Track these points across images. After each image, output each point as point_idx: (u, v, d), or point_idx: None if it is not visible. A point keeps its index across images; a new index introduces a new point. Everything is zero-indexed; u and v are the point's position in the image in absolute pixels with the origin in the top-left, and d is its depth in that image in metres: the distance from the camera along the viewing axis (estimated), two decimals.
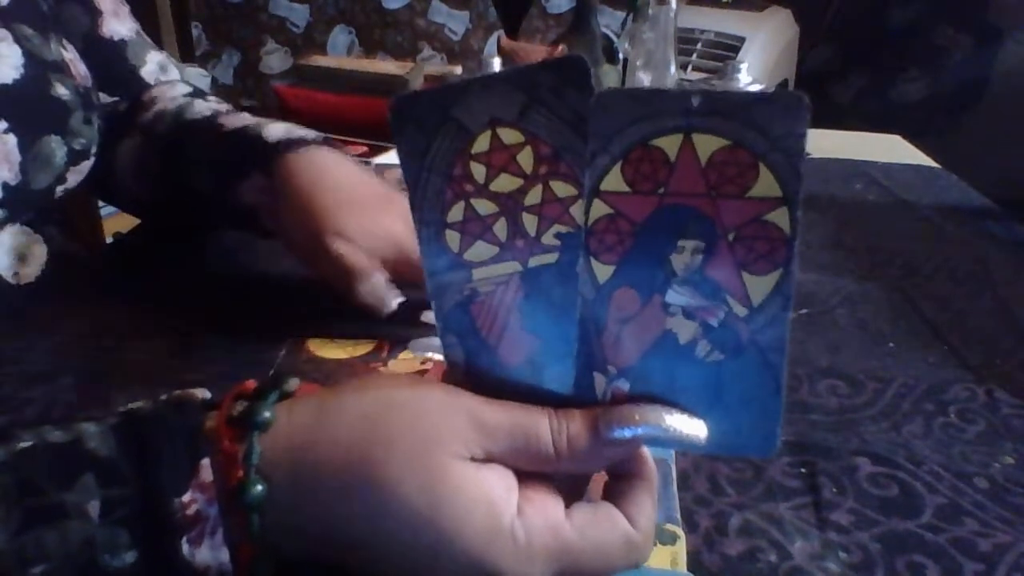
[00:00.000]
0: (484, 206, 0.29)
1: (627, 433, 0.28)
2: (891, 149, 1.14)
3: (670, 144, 0.26)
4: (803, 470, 0.45)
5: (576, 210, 0.28)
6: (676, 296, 0.28)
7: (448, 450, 0.27)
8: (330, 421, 0.28)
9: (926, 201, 0.91)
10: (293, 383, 0.30)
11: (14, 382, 0.48)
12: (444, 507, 0.26)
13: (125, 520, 0.26)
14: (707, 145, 0.26)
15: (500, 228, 0.29)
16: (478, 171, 0.28)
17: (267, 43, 2.80)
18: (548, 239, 0.29)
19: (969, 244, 0.79)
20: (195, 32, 2.78)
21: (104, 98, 0.61)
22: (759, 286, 0.27)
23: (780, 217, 0.27)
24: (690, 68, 1.89)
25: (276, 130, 0.54)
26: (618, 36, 1.14)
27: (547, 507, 0.28)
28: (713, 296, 0.27)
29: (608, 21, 1.93)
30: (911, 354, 0.58)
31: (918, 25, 2.47)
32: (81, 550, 0.26)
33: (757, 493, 0.43)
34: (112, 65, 0.62)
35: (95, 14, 0.61)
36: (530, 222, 0.29)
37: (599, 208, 0.28)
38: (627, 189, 0.27)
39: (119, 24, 0.63)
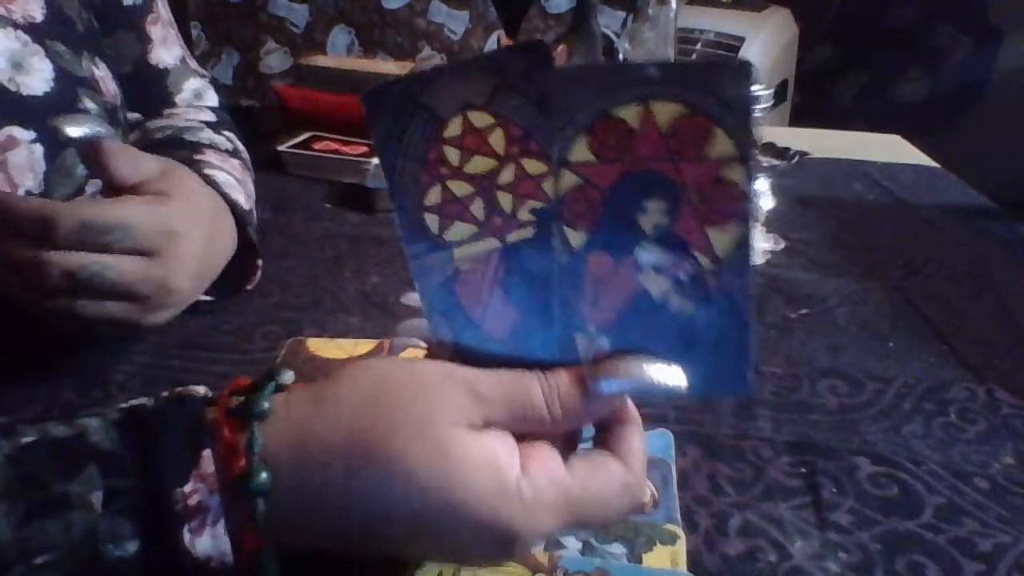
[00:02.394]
0: (460, 188, 0.30)
1: (613, 387, 0.30)
2: (891, 149, 1.14)
3: (631, 114, 0.28)
4: (803, 470, 0.45)
5: (548, 186, 0.30)
6: (646, 255, 0.30)
7: (448, 421, 0.28)
8: (329, 406, 0.29)
9: (926, 201, 0.91)
10: (288, 376, 0.31)
11: (14, 382, 0.48)
12: (452, 474, 0.27)
13: (127, 510, 0.26)
14: (665, 112, 0.28)
15: (477, 208, 0.30)
16: (452, 155, 0.30)
17: (267, 43, 2.80)
18: (524, 215, 0.30)
19: (969, 244, 0.79)
20: (195, 32, 2.78)
21: (139, 117, 0.65)
22: (722, 239, 0.29)
23: (737, 174, 0.28)
24: None
25: (239, 199, 0.56)
26: (618, 36, 1.14)
27: (548, 463, 0.29)
28: (680, 253, 0.29)
29: (608, 21, 1.93)
30: (911, 354, 0.58)
31: (918, 25, 2.47)
32: (84, 540, 0.26)
33: (757, 493, 0.43)
34: (151, 89, 0.66)
35: (145, 42, 0.65)
36: (505, 200, 0.30)
37: (568, 179, 0.29)
38: (593, 159, 0.29)
39: (166, 52, 0.67)
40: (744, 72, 0.27)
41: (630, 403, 0.32)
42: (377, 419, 0.28)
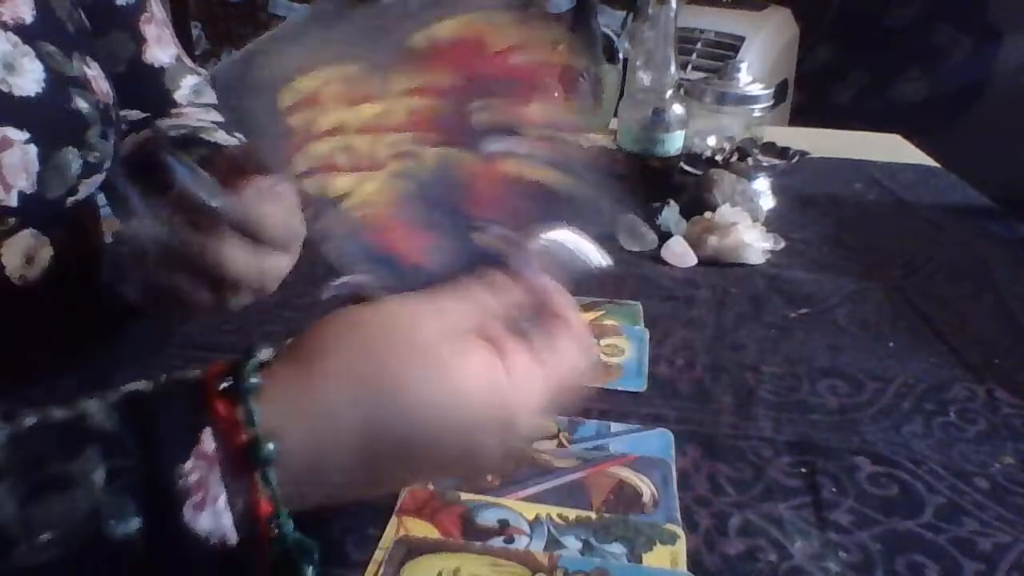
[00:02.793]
0: (319, 147, 0.32)
1: (535, 248, 0.33)
2: (891, 149, 1.14)
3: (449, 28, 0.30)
4: (803, 470, 0.45)
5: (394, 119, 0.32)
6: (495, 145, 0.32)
7: (435, 340, 0.30)
8: (314, 364, 0.30)
9: (926, 201, 0.91)
10: (265, 352, 0.32)
11: (14, 382, 0.48)
12: (454, 383, 0.29)
13: (129, 488, 0.27)
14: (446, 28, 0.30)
15: (342, 160, 0.32)
16: (297, 121, 0.31)
17: None
18: (389, 150, 0.32)
19: (969, 244, 0.79)
20: (195, 32, 2.78)
21: (138, 114, 0.65)
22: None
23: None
24: (690, 68, 1.89)
25: None
26: (618, 36, 1.14)
27: (519, 350, 0.31)
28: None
29: (608, 21, 1.93)
30: (911, 354, 0.58)
31: (918, 25, 2.47)
32: (87, 518, 0.26)
33: (757, 493, 0.43)
34: (149, 89, 0.67)
35: (140, 42, 0.65)
36: (363, 143, 0.32)
37: (404, 104, 0.31)
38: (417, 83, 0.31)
39: (161, 51, 0.67)
40: None
41: (547, 281, 0.34)
42: (366, 358, 0.30)
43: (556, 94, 0.32)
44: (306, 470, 0.28)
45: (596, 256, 0.33)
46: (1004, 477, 0.45)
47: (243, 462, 0.28)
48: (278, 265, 0.45)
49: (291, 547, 0.28)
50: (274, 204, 0.44)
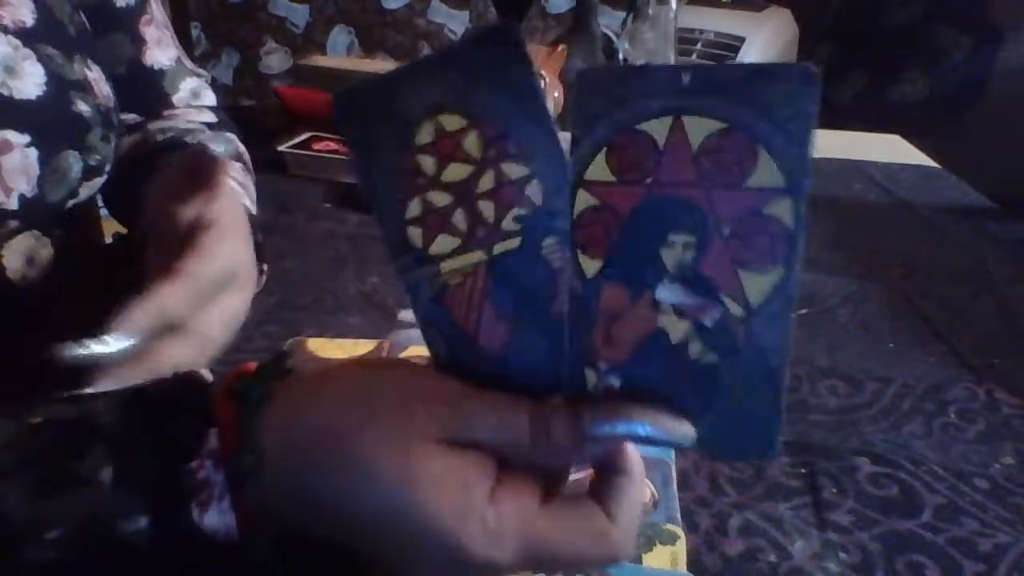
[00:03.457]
0: (439, 198, 0.28)
1: (608, 430, 0.27)
2: (891, 149, 1.14)
3: (659, 128, 0.24)
4: (803, 470, 0.45)
5: (532, 191, 0.27)
6: (667, 294, 0.26)
7: (427, 433, 0.27)
8: (320, 394, 0.29)
9: (926, 201, 0.91)
10: (292, 362, 0.31)
11: (14, 382, 0.48)
12: (417, 486, 0.26)
13: (137, 487, 0.27)
14: (699, 128, 0.24)
15: (459, 218, 0.28)
16: (426, 163, 0.28)
17: (267, 43, 2.80)
18: (508, 224, 0.28)
19: (969, 244, 0.79)
20: (195, 32, 2.78)
21: (135, 118, 0.64)
22: (758, 285, 0.25)
23: (782, 209, 0.24)
24: None
25: (248, 206, 0.56)
26: (618, 36, 1.14)
27: (521, 495, 0.28)
28: (707, 295, 0.26)
29: (608, 21, 1.92)
30: (911, 354, 0.58)
31: (918, 25, 2.47)
32: (95, 516, 0.26)
33: (757, 493, 0.43)
34: (147, 91, 0.66)
35: (139, 43, 0.64)
36: (487, 209, 0.28)
37: (584, 199, 0.26)
38: (613, 179, 0.26)
39: (161, 53, 0.66)
40: (804, 80, 0.22)
41: (635, 454, 0.30)
42: (359, 416, 0.28)
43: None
44: (278, 488, 0.28)
45: (683, 434, 0.27)
46: (1004, 477, 0.45)
47: (231, 469, 0.27)
48: (224, 315, 0.43)
49: (258, 565, 0.28)
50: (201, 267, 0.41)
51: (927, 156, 1.11)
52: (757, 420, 0.27)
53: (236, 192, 0.53)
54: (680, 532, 0.39)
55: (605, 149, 0.26)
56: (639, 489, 0.29)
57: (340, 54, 2.73)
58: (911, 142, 1.18)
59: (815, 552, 0.39)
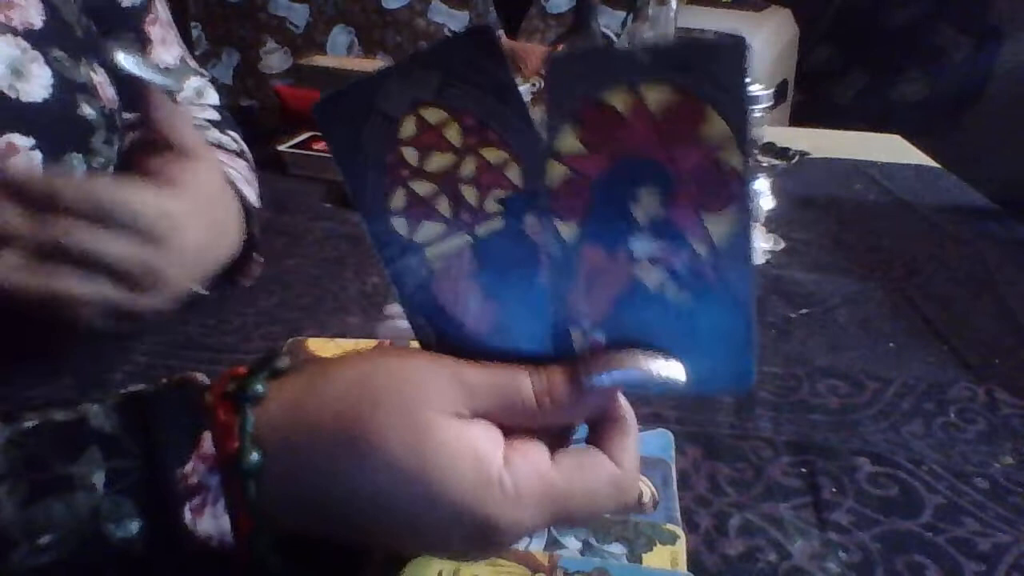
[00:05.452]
0: (423, 187, 0.29)
1: (606, 379, 0.29)
2: (891, 149, 1.14)
3: (620, 99, 0.27)
4: (803, 470, 0.45)
5: (512, 173, 0.29)
6: (640, 245, 0.28)
7: (433, 408, 0.28)
8: (319, 388, 0.29)
9: (926, 201, 0.91)
10: (284, 361, 0.31)
11: (14, 383, 0.48)
12: (431, 461, 0.27)
13: (130, 490, 0.27)
14: (656, 96, 0.26)
15: (443, 205, 0.30)
16: (410, 155, 0.29)
17: (267, 43, 2.80)
18: (491, 206, 0.29)
19: (969, 244, 0.79)
20: (194, 32, 2.77)
21: (138, 117, 0.64)
22: (718, 225, 0.28)
23: (731, 156, 0.27)
24: None
25: (249, 195, 0.57)
26: (618, 36, 1.14)
27: (533, 455, 0.28)
28: (676, 240, 0.28)
29: (608, 21, 1.92)
30: (911, 354, 0.58)
31: (918, 25, 2.47)
32: (87, 520, 0.26)
33: (757, 493, 0.43)
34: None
35: (146, 43, 0.65)
36: (470, 193, 0.29)
37: (557, 169, 0.28)
38: (583, 148, 0.28)
39: (166, 52, 0.67)
40: (738, 51, 0.26)
41: (624, 401, 0.32)
42: (363, 401, 0.28)
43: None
44: (281, 487, 0.28)
45: (675, 373, 0.29)
46: (1004, 477, 0.45)
47: (231, 469, 0.27)
48: (137, 252, 0.41)
49: (259, 565, 0.28)
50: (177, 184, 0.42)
51: (927, 156, 1.11)
52: (733, 354, 0.30)
53: (241, 182, 0.53)
54: (680, 532, 0.39)
55: (574, 122, 0.27)
56: (634, 432, 0.31)
57: (340, 54, 2.73)
58: (911, 142, 1.18)
59: (815, 552, 0.39)
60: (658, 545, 0.38)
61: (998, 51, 2.38)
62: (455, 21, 2.67)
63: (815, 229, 0.81)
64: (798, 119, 2.19)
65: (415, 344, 0.32)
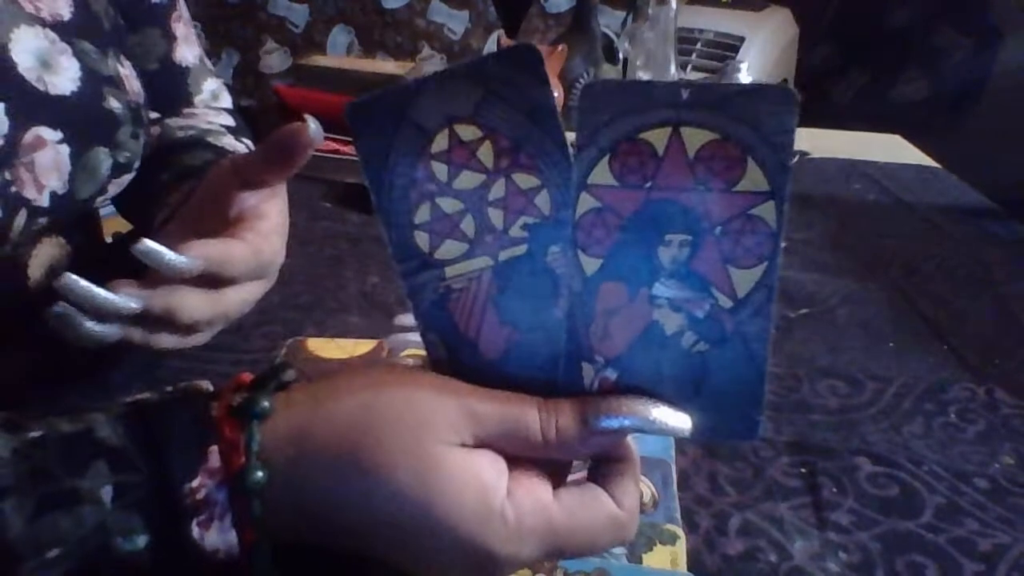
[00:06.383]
0: (449, 204, 0.29)
1: (614, 424, 0.29)
2: (891, 149, 1.14)
3: (658, 137, 0.27)
4: (803, 470, 0.45)
5: (541, 200, 0.28)
6: (663, 289, 0.28)
7: (439, 437, 0.27)
8: (326, 409, 0.29)
9: (926, 201, 0.91)
10: (290, 374, 0.31)
11: (15, 384, 0.48)
12: (436, 491, 0.27)
13: (137, 504, 0.27)
14: (695, 139, 0.26)
15: (467, 225, 0.29)
16: (440, 170, 0.29)
17: (267, 43, 2.80)
18: (516, 231, 0.29)
19: (969, 244, 0.79)
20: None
21: (154, 115, 0.64)
22: (744, 279, 0.28)
23: (767, 211, 0.27)
24: (690, 68, 1.89)
25: None
26: (618, 36, 1.14)
27: (536, 490, 0.28)
28: (699, 289, 0.28)
29: (608, 21, 1.92)
30: (911, 354, 0.58)
31: (918, 25, 2.47)
32: (95, 534, 0.26)
33: (757, 493, 0.43)
34: (174, 88, 0.66)
35: (171, 39, 0.64)
36: (496, 216, 0.29)
37: (587, 202, 0.28)
38: (615, 183, 0.27)
39: (188, 51, 0.67)
40: (786, 100, 0.25)
41: (629, 440, 0.31)
42: (369, 426, 0.28)
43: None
44: (284, 504, 0.28)
45: (681, 424, 0.29)
46: (1004, 477, 0.45)
47: (237, 486, 0.27)
48: (242, 299, 0.41)
49: None
50: (238, 240, 0.40)
51: (927, 156, 1.11)
52: (742, 404, 0.30)
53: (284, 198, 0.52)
54: (680, 532, 0.39)
55: (608, 156, 0.27)
56: (637, 472, 0.31)
57: (340, 54, 2.73)
58: (911, 142, 1.18)
59: (815, 552, 0.39)
60: (658, 545, 0.38)
61: (998, 51, 2.38)
62: (455, 21, 2.67)
63: (815, 229, 0.81)
64: (798, 119, 2.19)
65: (415, 352, 0.32)
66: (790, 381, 0.54)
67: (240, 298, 0.41)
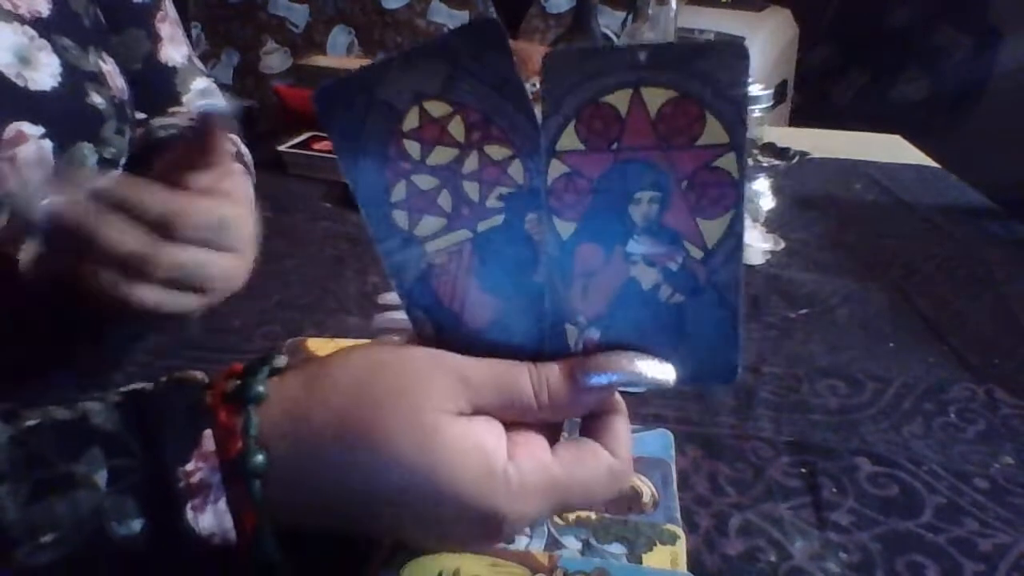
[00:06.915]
0: (425, 181, 0.29)
1: (603, 380, 0.30)
2: (891, 149, 1.14)
3: (620, 100, 0.27)
4: (803, 470, 0.45)
5: (515, 170, 0.29)
6: (637, 246, 0.29)
7: (436, 406, 0.28)
8: (321, 388, 0.29)
9: (926, 201, 0.91)
10: (281, 360, 0.31)
11: (14, 382, 0.48)
12: (439, 459, 0.27)
13: (132, 489, 0.27)
14: (655, 98, 0.27)
15: (444, 200, 0.30)
16: (412, 148, 0.29)
17: (267, 43, 2.80)
18: (492, 202, 0.30)
19: (969, 244, 0.79)
20: (194, 32, 2.77)
21: (141, 116, 0.64)
22: (712, 229, 0.29)
23: (728, 163, 0.28)
24: None
25: None
26: (618, 36, 1.14)
27: (535, 450, 0.29)
28: (671, 242, 0.29)
29: (608, 21, 1.93)
30: (911, 354, 0.58)
31: (918, 25, 2.47)
32: (90, 519, 0.26)
33: (757, 493, 0.43)
34: (161, 87, 0.66)
35: (155, 40, 0.65)
36: (472, 189, 0.29)
37: (556, 168, 0.29)
38: (582, 147, 0.28)
39: (174, 50, 0.67)
40: (737, 54, 0.26)
41: (616, 393, 0.32)
42: (367, 402, 0.28)
43: None
44: (286, 487, 0.28)
45: (666, 374, 0.30)
46: (1004, 477, 0.45)
47: (235, 470, 0.28)
48: (222, 268, 0.42)
49: (261, 564, 0.28)
50: (221, 202, 0.41)
51: (927, 156, 1.11)
52: (720, 349, 0.31)
53: (242, 172, 0.53)
54: (680, 532, 0.39)
55: (573, 121, 0.28)
56: (627, 422, 0.32)
57: (340, 54, 2.73)
58: (911, 142, 1.18)
59: (815, 552, 0.39)
60: (658, 545, 0.38)
61: (998, 51, 2.38)
62: (455, 21, 2.66)
63: (815, 229, 0.81)
64: (798, 119, 2.19)
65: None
66: (790, 381, 0.54)
67: (221, 267, 0.41)
